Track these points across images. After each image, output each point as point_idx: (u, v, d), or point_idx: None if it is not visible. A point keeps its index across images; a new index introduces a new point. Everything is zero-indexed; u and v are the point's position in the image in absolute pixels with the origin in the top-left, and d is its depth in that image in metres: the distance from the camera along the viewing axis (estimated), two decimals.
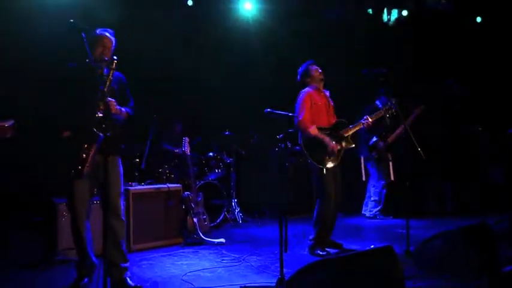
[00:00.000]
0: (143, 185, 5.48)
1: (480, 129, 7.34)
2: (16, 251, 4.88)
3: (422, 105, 7.09)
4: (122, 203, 3.82)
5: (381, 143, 7.08)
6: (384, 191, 7.17)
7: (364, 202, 7.45)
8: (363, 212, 7.40)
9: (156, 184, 5.66)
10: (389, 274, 3.18)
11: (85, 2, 5.68)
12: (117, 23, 3.92)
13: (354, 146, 5.09)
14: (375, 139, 7.05)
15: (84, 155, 3.38)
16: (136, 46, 5.86)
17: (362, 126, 5.07)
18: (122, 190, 3.86)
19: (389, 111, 5.23)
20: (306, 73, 5.16)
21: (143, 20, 6.56)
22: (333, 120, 5.10)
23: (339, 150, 4.97)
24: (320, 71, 5.14)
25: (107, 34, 3.77)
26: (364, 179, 7.79)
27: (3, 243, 4.88)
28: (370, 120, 5.06)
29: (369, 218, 7.23)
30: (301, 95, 5.06)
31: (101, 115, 3.41)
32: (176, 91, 7.14)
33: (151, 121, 6.40)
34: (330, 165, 4.89)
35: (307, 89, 5.11)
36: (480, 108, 7.93)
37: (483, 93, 7.93)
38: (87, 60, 3.50)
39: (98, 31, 3.75)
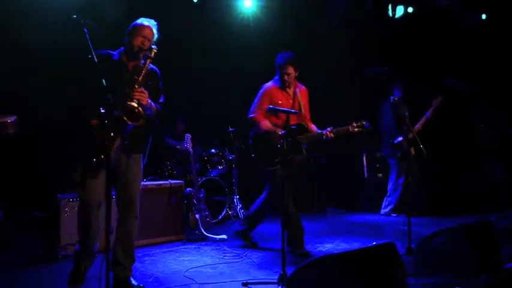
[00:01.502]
0: (145, 181, 5.50)
1: (482, 125, 7.32)
2: (18, 247, 4.91)
3: (441, 96, 6.95)
4: (139, 203, 3.71)
5: (405, 143, 6.85)
6: (400, 188, 7.07)
7: (384, 199, 7.38)
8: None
9: (159, 180, 5.68)
10: (391, 271, 3.19)
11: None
12: (120, 19, 3.86)
13: (304, 155, 4.70)
14: (400, 139, 6.89)
15: (108, 144, 3.20)
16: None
17: (323, 137, 4.63)
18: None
19: (359, 129, 4.55)
20: (277, 67, 4.80)
21: (146, 15, 6.57)
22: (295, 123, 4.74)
23: (286, 155, 4.39)
24: (290, 71, 4.71)
25: (148, 24, 3.61)
26: (366, 176, 7.81)
27: (6, 238, 4.90)
28: (331, 134, 4.58)
29: (383, 215, 7.18)
30: (260, 90, 4.82)
31: (133, 104, 3.25)
32: (179, 87, 7.14)
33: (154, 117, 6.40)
34: (276, 167, 4.58)
35: (270, 83, 4.85)
36: (482, 106, 7.91)
37: (485, 91, 7.91)
38: (89, 56, 3.42)
39: (139, 21, 3.60)
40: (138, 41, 3.53)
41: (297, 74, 4.80)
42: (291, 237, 4.67)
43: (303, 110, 4.83)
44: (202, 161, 6.71)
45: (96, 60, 3.20)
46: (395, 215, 7.11)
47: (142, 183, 5.26)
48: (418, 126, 6.90)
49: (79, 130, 3.48)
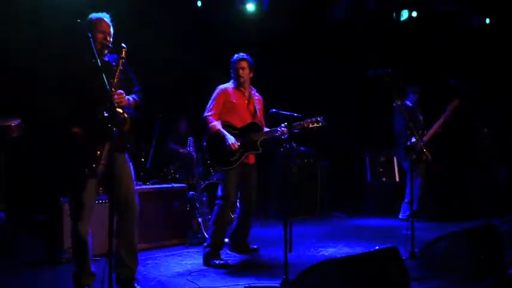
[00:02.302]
0: (148, 185, 5.50)
1: (486, 130, 7.31)
2: (21, 249, 4.91)
3: (457, 99, 6.86)
4: (137, 201, 3.65)
5: (420, 145, 6.63)
6: (418, 192, 6.91)
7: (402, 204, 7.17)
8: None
9: (161, 184, 5.68)
10: (394, 275, 3.19)
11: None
12: (122, 22, 3.84)
13: (259, 152, 4.67)
14: (414, 140, 6.87)
15: (99, 152, 3.23)
16: (143, 44, 5.88)
17: (276, 134, 4.61)
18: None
19: (314, 124, 4.53)
20: (231, 65, 4.79)
21: (149, 18, 6.62)
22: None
23: (241, 152, 4.58)
24: (242, 69, 4.72)
25: (104, 18, 3.49)
26: (369, 180, 7.81)
27: (8, 241, 4.90)
28: (285, 129, 4.51)
29: (402, 220, 6.92)
30: (215, 91, 4.79)
31: (118, 110, 3.19)
32: (181, 90, 7.16)
33: (157, 120, 6.42)
34: (229, 166, 4.57)
35: (225, 84, 4.83)
36: (483, 107, 7.89)
37: (486, 91, 7.90)
38: (93, 60, 3.42)
39: (93, 16, 3.49)
40: (99, 37, 3.42)
41: (251, 75, 4.80)
42: (235, 232, 4.94)
43: (258, 113, 4.82)
44: (205, 165, 6.70)
45: (100, 65, 3.20)
46: (414, 220, 6.95)
47: (145, 186, 5.33)
48: (434, 129, 6.87)
49: (64, 139, 3.43)
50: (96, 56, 3.21)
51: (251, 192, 4.84)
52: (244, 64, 4.74)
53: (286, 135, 4.53)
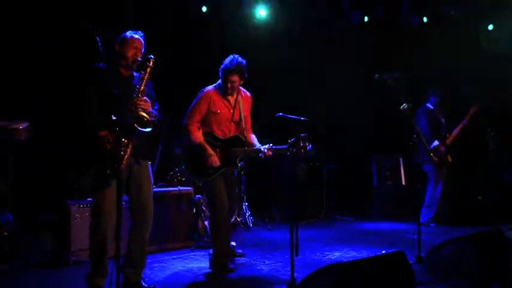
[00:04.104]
0: (155, 188, 5.51)
1: (492, 134, 7.26)
2: (28, 251, 4.94)
3: (477, 103, 6.86)
4: (153, 208, 3.75)
5: (443, 147, 6.82)
6: (439, 195, 6.87)
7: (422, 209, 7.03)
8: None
9: (168, 187, 5.70)
10: (400, 280, 3.18)
11: None
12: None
13: (237, 168, 4.46)
14: (436, 143, 6.78)
15: (122, 152, 3.30)
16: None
17: (259, 154, 4.36)
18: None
19: (302, 150, 4.14)
20: (221, 71, 4.43)
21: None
22: (233, 133, 4.50)
23: (220, 167, 4.35)
24: (234, 79, 4.38)
25: (138, 36, 3.70)
26: (375, 184, 7.78)
27: (16, 242, 4.94)
28: (269, 152, 4.31)
29: (422, 225, 6.93)
30: (199, 94, 4.49)
31: (142, 113, 3.34)
32: (189, 94, 7.18)
33: (164, 124, 6.44)
34: (207, 178, 4.36)
35: (211, 88, 4.50)
36: (491, 113, 7.87)
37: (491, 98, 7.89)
38: (101, 64, 3.51)
39: (128, 34, 3.68)
40: (131, 53, 3.62)
41: (241, 83, 4.51)
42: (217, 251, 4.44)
43: (243, 120, 4.54)
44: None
45: (110, 70, 3.28)
46: (434, 225, 6.82)
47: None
48: (456, 132, 6.86)
49: (86, 140, 3.51)
50: (104, 57, 3.31)
51: (233, 194, 4.63)
52: (235, 78, 4.38)
53: (268, 157, 4.34)
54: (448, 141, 6.87)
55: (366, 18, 8.36)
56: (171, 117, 5.75)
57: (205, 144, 4.34)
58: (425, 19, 8.37)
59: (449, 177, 7.06)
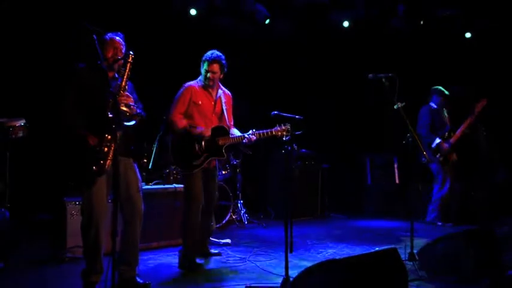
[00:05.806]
0: (150, 186, 5.55)
1: (485, 133, 7.31)
2: (24, 248, 4.96)
3: (485, 99, 6.76)
4: (143, 203, 3.76)
5: (446, 144, 6.77)
6: (444, 194, 6.84)
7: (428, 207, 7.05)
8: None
9: (163, 184, 5.73)
10: (393, 277, 3.23)
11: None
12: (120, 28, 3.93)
13: (224, 158, 4.55)
14: (438, 141, 6.78)
15: (106, 149, 3.33)
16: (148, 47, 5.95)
17: (243, 140, 4.46)
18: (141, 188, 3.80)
19: (284, 133, 4.20)
20: (202, 63, 4.58)
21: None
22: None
23: (205, 157, 4.45)
24: (215, 70, 4.51)
25: (118, 38, 3.74)
26: (369, 181, 7.83)
27: (12, 239, 4.95)
28: (254, 137, 4.43)
29: (428, 223, 6.85)
30: (181, 89, 4.59)
31: (123, 108, 3.37)
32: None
33: (159, 122, 6.46)
34: (191, 171, 4.44)
35: (192, 82, 4.63)
36: (484, 111, 7.93)
37: (488, 96, 7.94)
38: (98, 62, 3.51)
39: (108, 35, 3.71)
40: (111, 53, 3.66)
41: (221, 76, 4.62)
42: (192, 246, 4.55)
43: (225, 113, 4.64)
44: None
45: (105, 68, 3.29)
46: (440, 223, 6.79)
47: (147, 187, 5.37)
48: (460, 130, 6.83)
49: (68, 138, 3.53)
50: (101, 56, 3.32)
51: (212, 193, 4.71)
52: (215, 68, 4.51)
53: (252, 142, 4.47)
54: (452, 140, 6.81)
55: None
56: (167, 116, 5.77)
57: (191, 126, 4.46)
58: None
59: (459, 176, 7.04)
